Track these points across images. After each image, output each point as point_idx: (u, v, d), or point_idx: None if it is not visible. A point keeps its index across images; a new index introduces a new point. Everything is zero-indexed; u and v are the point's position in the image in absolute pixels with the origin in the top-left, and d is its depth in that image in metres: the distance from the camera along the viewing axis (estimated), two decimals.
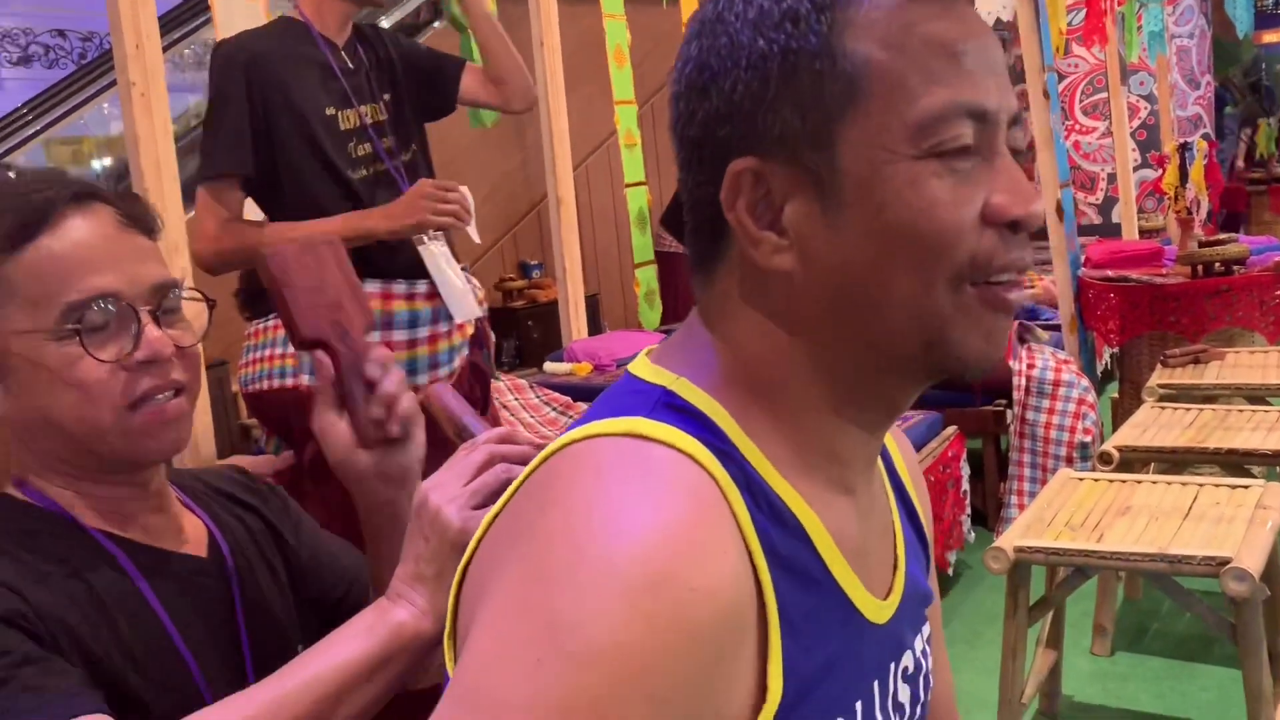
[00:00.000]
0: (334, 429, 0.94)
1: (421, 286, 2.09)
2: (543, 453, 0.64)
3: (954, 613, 3.30)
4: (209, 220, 2.04)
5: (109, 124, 6.53)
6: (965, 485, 3.55)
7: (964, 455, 3.56)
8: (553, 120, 4.58)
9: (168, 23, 5.73)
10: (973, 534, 3.55)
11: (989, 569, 2.24)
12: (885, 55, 0.61)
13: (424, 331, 2.08)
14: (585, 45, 5.42)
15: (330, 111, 2.04)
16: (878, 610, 0.70)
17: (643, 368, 0.69)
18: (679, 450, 0.60)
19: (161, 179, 3.47)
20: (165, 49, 5.45)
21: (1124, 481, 2.56)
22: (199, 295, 1.01)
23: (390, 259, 2.04)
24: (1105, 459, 2.80)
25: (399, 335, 2.06)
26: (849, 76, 0.61)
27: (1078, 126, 7.90)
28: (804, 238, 0.63)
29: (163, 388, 0.92)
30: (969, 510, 3.56)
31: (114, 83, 4.57)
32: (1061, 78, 7.45)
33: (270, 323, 3.20)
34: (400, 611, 0.84)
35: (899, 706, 0.73)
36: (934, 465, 3.30)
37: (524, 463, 0.83)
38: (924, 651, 0.78)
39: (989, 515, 3.80)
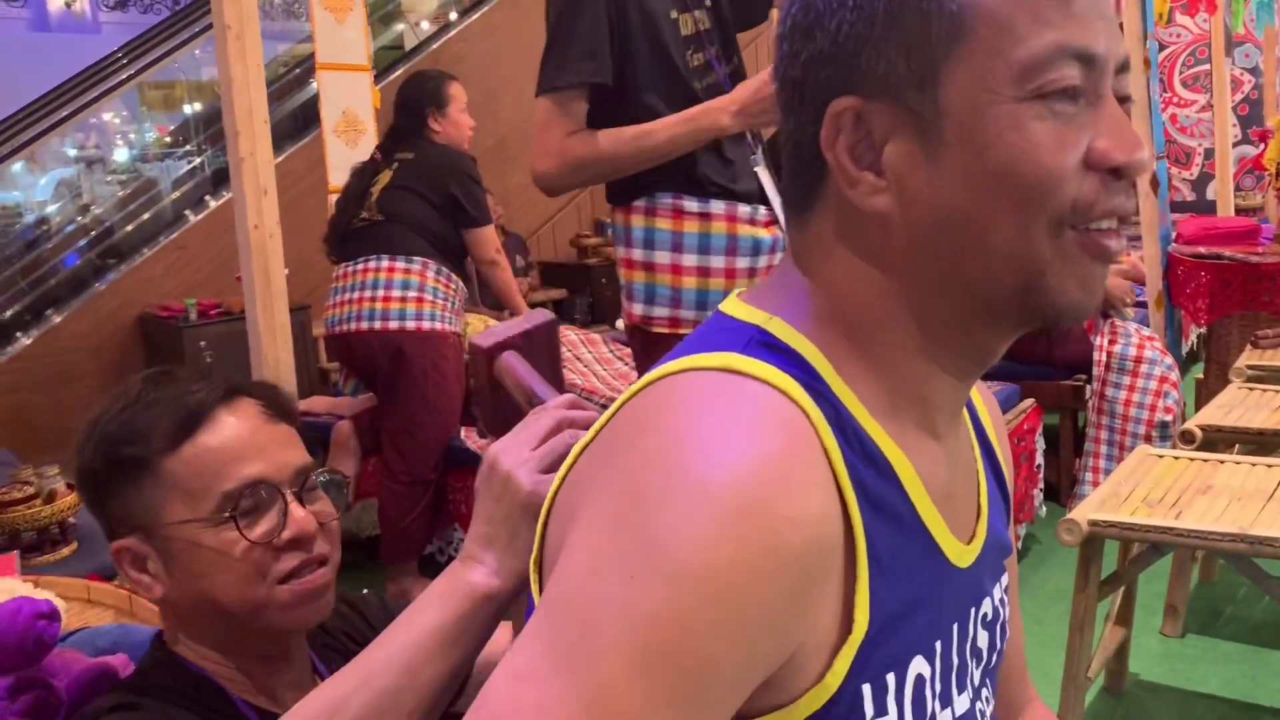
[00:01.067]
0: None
1: (762, 213, 1.95)
2: (637, 384, 0.65)
3: (1021, 587, 3.26)
4: (554, 133, 1.87)
5: (201, 69, 6.66)
6: (1040, 459, 3.50)
7: (1040, 429, 3.50)
8: None
9: None
10: (1044, 509, 3.50)
11: (1061, 541, 2.21)
12: None
13: (763, 261, 1.96)
14: None
15: (674, 15, 1.89)
16: (961, 554, 0.70)
17: (735, 307, 0.70)
18: (773, 386, 0.61)
19: (253, 121, 3.54)
20: None
21: (1205, 461, 2.50)
22: (339, 474, 1.09)
23: (732, 179, 1.91)
24: (1187, 438, 2.74)
25: (741, 262, 1.93)
26: (955, 16, 0.61)
27: (1176, 99, 7.64)
28: (903, 178, 0.63)
29: (310, 562, 1.01)
30: (1042, 485, 3.51)
31: (207, 28, 4.67)
32: (1162, 47, 7.21)
33: (357, 266, 3.28)
34: (472, 574, 0.86)
35: (976, 651, 0.74)
36: (1009, 437, 3.26)
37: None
38: (1002, 600, 0.79)
39: (1062, 491, 3.75)
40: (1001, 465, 0.85)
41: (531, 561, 0.69)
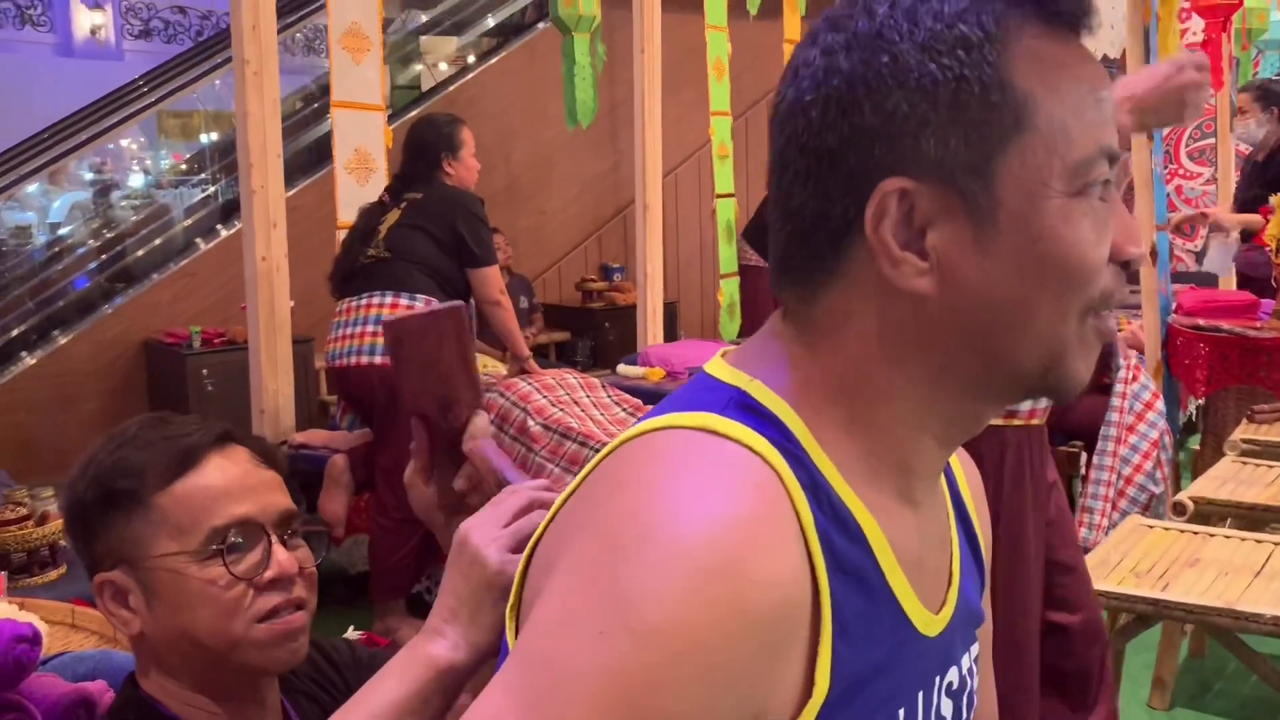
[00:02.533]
0: (418, 488, 0.98)
1: None
2: (616, 440, 0.67)
3: None
4: None
5: (220, 100, 6.74)
6: None
7: None
8: (646, 127, 4.62)
9: (282, 8, 5.91)
10: None
11: None
12: (1047, 95, 0.63)
13: None
14: (686, 54, 5.46)
15: None
16: (929, 623, 0.71)
17: (718, 368, 0.71)
18: (749, 448, 0.62)
19: (267, 155, 3.59)
20: (284, 30, 5.61)
21: (1195, 533, 2.51)
22: (319, 526, 1.11)
23: None
24: (1179, 509, 2.74)
25: None
26: (1017, 110, 0.63)
27: (1181, 170, 7.71)
28: (951, 262, 0.64)
29: (288, 604, 1.04)
30: None
31: (227, 60, 4.74)
32: None
33: (360, 301, 3.30)
34: (434, 647, 0.86)
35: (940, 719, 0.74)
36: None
37: None
38: (970, 670, 0.79)
39: None
40: (977, 531, 0.85)
41: (508, 609, 0.70)
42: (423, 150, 3.36)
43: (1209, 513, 2.79)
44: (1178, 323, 4.23)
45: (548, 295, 6.47)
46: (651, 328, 4.80)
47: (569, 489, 0.68)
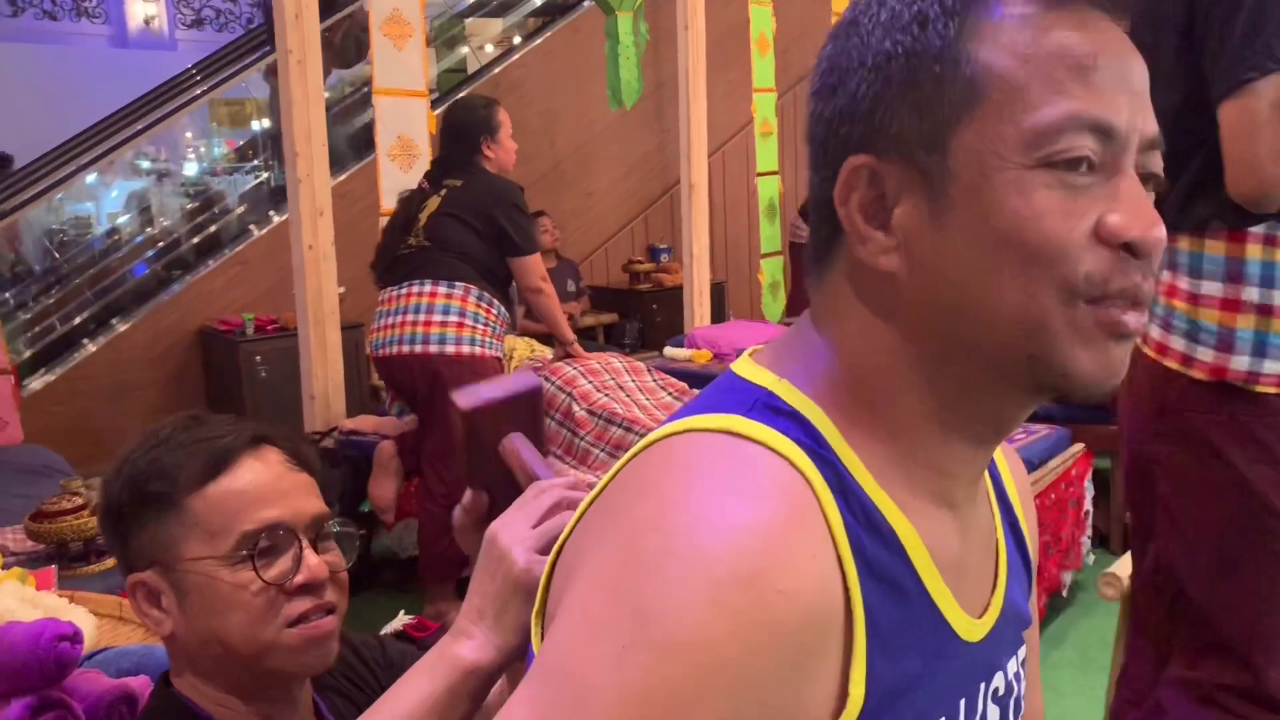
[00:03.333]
0: (468, 535, 0.98)
1: None
2: (639, 444, 0.65)
3: (1066, 636, 3.20)
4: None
5: (269, 88, 6.81)
6: (1088, 505, 3.44)
7: (1089, 474, 3.44)
8: (691, 105, 4.58)
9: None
10: (1092, 556, 3.43)
11: (1102, 595, 2.16)
12: (1010, 62, 0.61)
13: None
14: (731, 31, 5.40)
15: None
16: (971, 628, 0.69)
17: (745, 367, 0.69)
18: (774, 451, 0.61)
19: (311, 143, 3.62)
20: (326, 18, 5.64)
21: None
22: (351, 528, 1.13)
23: None
24: None
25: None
26: (968, 80, 0.61)
27: None
28: (910, 238, 0.63)
29: (318, 608, 1.04)
30: (1090, 531, 3.44)
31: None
32: None
33: (401, 290, 3.32)
34: (461, 647, 0.86)
35: None
36: (1056, 482, 3.20)
37: None
38: (1017, 675, 0.77)
39: (1112, 538, 3.67)
40: (1024, 532, 0.82)
41: (534, 613, 0.70)
42: (461, 134, 3.35)
43: None
44: None
45: (595, 277, 6.47)
46: (698, 309, 4.78)
47: (594, 492, 0.66)
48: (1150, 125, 0.63)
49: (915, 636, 0.64)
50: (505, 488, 0.93)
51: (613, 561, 0.58)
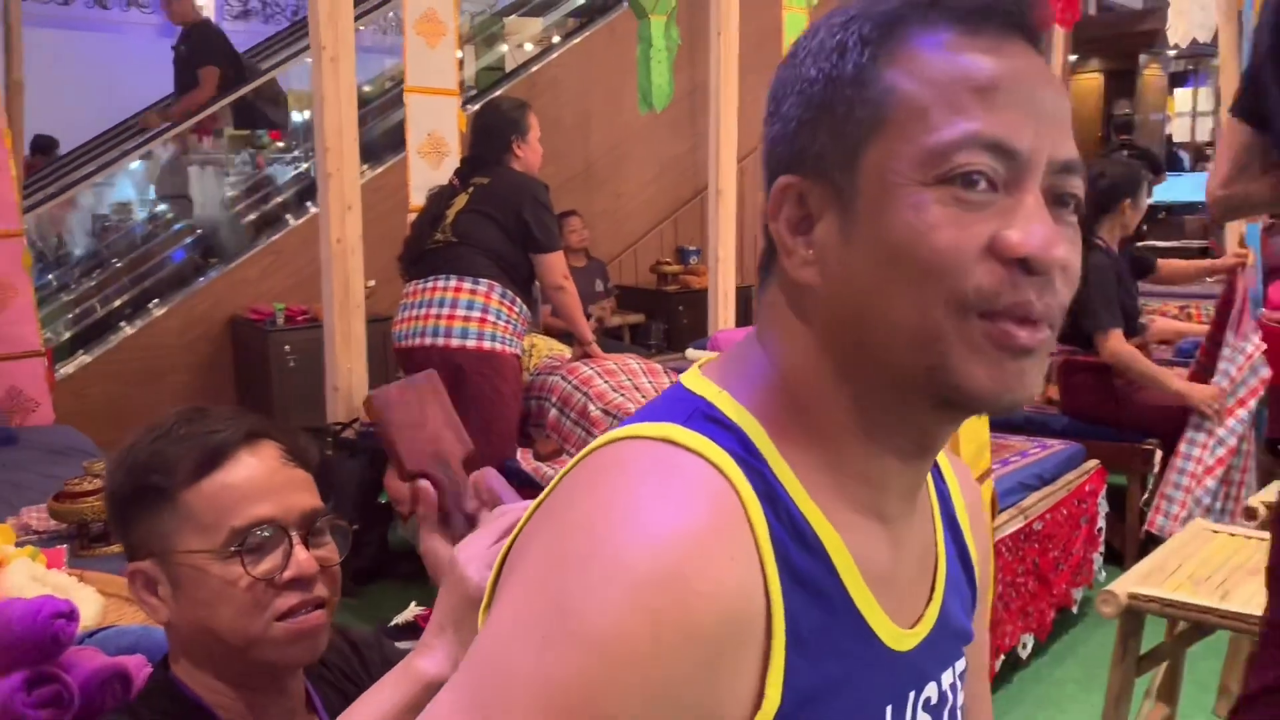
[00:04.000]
0: (436, 550, 1.01)
1: None
2: (586, 448, 0.68)
3: (1071, 652, 3.19)
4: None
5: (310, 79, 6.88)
6: (1101, 522, 3.42)
7: (1103, 491, 3.42)
8: (721, 111, 4.60)
9: None
10: (1104, 573, 3.42)
11: (1100, 613, 2.17)
12: (914, 87, 0.63)
13: None
14: (766, 38, 5.41)
15: None
16: (899, 637, 0.71)
17: (692, 378, 0.72)
18: (704, 458, 0.64)
19: (342, 139, 3.68)
20: (363, 16, 5.71)
21: (1262, 540, 2.42)
22: (343, 522, 1.15)
23: None
24: (1249, 514, 2.65)
25: None
26: (875, 104, 0.64)
27: None
28: (825, 253, 0.66)
29: (307, 603, 1.06)
30: (1102, 548, 3.43)
31: None
32: None
33: (426, 284, 3.37)
34: (422, 660, 0.90)
35: None
36: (1069, 498, 3.20)
37: None
38: (953, 686, 0.78)
39: (1126, 555, 3.65)
40: (970, 551, 0.84)
41: (481, 609, 0.73)
42: (493, 133, 3.40)
43: None
44: (1267, 318, 4.07)
45: (623, 277, 6.50)
46: (723, 312, 4.79)
47: (544, 493, 0.70)
48: (1062, 149, 0.65)
49: (837, 642, 0.66)
50: (442, 469, 0.98)
51: (543, 559, 0.62)
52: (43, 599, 1.20)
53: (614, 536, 0.59)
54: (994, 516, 2.40)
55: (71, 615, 1.19)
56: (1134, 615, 2.19)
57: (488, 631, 0.62)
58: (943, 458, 0.85)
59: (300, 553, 1.06)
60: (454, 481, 0.98)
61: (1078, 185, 0.66)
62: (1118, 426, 3.67)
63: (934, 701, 0.76)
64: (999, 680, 2.93)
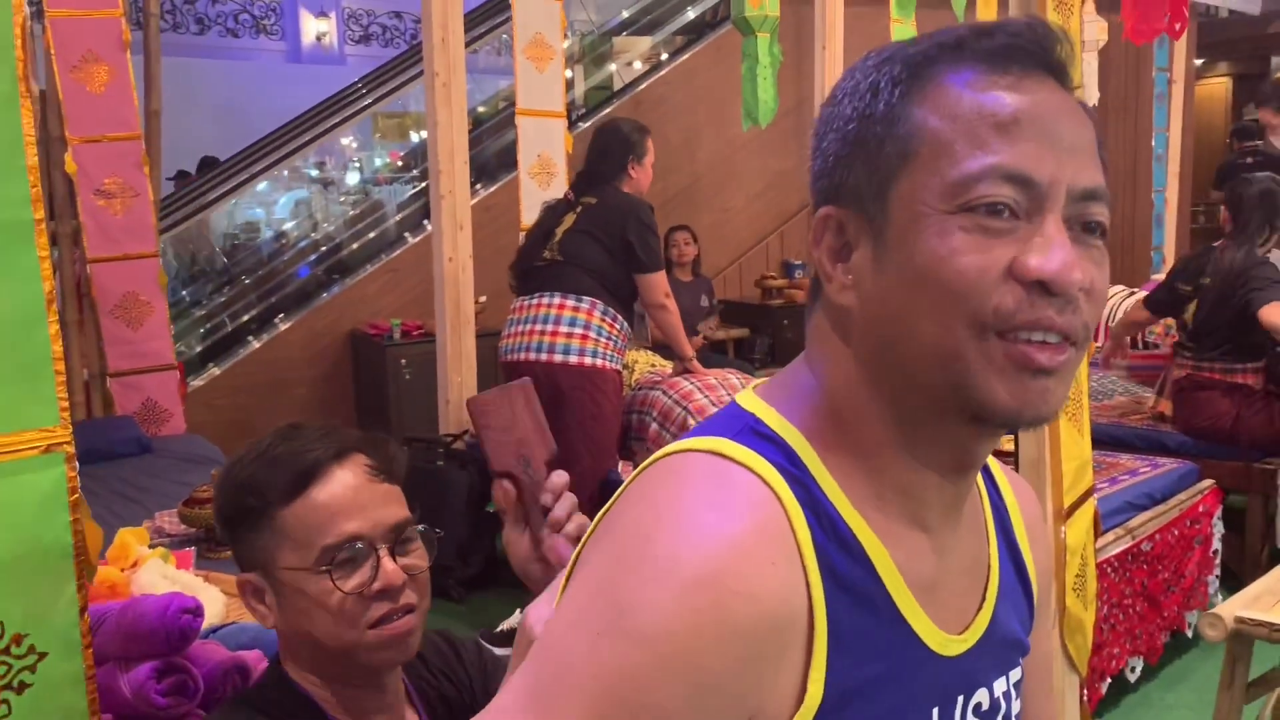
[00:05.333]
0: (516, 543, 1.07)
1: None
2: (647, 460, 0.75)
3: (1184, 677, 3.10)
4: None
5: None
6: (1217, 544, 3.32)
7: (1218, 512, 3.32)
8: None
9: (475, 19, 6.18)
10: (1220, 596, 3.31)
11: (1205, 636, 2.12)
12: (940, 123, 0.68)
13: None
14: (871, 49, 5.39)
15: None
16: (946, 643, 0.75)
17: (746, 398, 0.78)
18: (751, 470, 0.69)
19: (454, 162, 3.82)
20: (478, 39, 5.88)
21: None
22: (431, 531, 1.22)
23: None
24: None
25: None
26: (905, 139, 0.69)
27: None
28: (861, 278, 0.72)
29: (396, 610, 1.14)
30: (1218, 570, 3.32)
31: None
32: None
33: (532, 300, 3.48)
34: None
35: None
36: (1180, 518, 3.11)
37: None
38: (1007, 694, 0.81)
39: (1245, 578, 3.52)
40: (1028, 566, 0.87)
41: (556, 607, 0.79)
42: (610, 153, 3.50)
43: None
44: None
45: (728, 291, 6.54)
46: None
47: (610, 501, 0.76)
48: (1083, 177, 0.69)
49: (881, 644, 0.71)
50: (524, 468, 1.05)
51: (602, 561, 0.68)
52: (172, 595, 1.32)
53: (664, 541, 0.65)
54: (1097, 536, 2.36)
55: (198, 611, 1.30)
56: (1242, 639, 2.13)
57: (551, 626, 0.69)
58: (1001, 475, 0.89)
59: (388, 564, 1.13)
60: (535, 481, 1.05)
61: (1101, 211, 0.70)
62: (1237, 445, 3.55)
63: (985, 708, 0.79)
64: (1105, 704, 2.87)
